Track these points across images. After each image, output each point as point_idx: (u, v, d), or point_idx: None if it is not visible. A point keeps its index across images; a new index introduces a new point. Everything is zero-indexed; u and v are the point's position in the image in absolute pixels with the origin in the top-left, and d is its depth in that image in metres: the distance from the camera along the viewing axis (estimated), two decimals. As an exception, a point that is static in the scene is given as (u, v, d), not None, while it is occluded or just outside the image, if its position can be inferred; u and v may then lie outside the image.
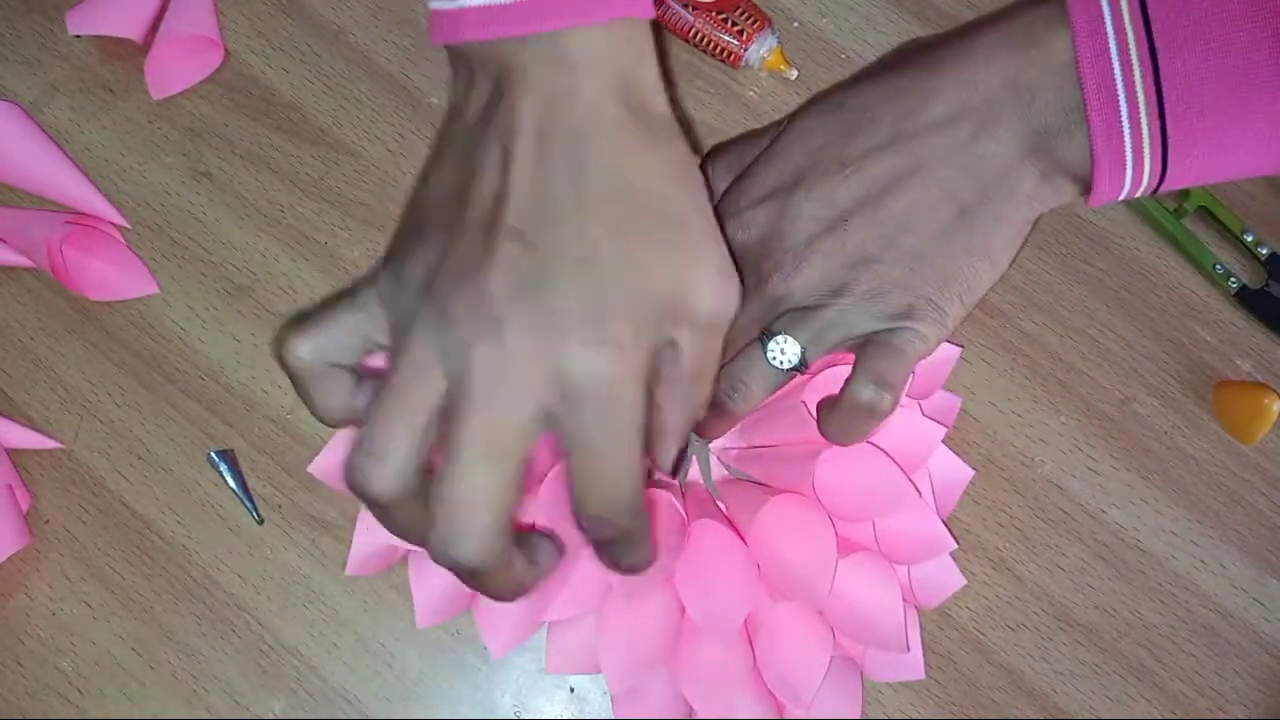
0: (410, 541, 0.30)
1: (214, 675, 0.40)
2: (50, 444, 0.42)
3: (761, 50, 0.44)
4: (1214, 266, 0.43)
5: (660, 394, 0.30)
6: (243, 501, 0.41)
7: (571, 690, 0.40)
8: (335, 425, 0.31)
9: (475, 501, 0.27)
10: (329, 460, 0.39)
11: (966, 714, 0.40)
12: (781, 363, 0.34)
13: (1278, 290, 0.43)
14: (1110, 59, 0.29)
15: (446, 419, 0.28)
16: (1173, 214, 0.43)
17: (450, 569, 0.28)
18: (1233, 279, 0.43)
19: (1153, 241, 0.44)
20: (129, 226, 0.44)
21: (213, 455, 0.41)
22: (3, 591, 0.40)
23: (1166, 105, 0.29)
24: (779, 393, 0.39)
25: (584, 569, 0.38)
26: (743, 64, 0.44)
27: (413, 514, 0.29)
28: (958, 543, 0.37)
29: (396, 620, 0.40)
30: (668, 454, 0.32)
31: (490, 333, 0.27)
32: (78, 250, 0.43)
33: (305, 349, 0.29)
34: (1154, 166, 0.30)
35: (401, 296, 0.29)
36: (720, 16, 0.44)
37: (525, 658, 0.40)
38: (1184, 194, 0.44)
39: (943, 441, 0.39)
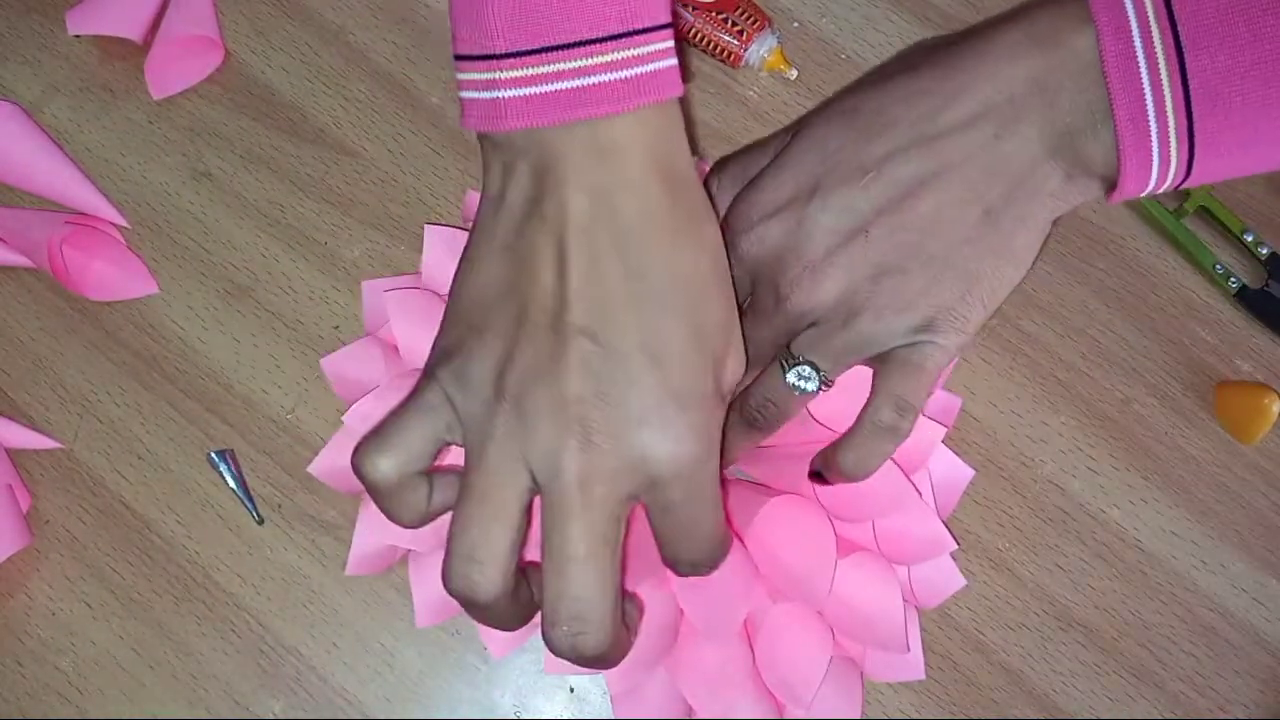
0: (509, 630, 0.32)
1: (214, 675, 0.40)
2: (50, 444, 0.42)
3: (761, 50, 0.44)
4: (1214, 266, 0.43)
5: None
6: (243, 501, 0.41)
7: (571, 690, 0.40)
8: (415, 528, 0.32)
9: (593, 597, 0.29)
10: (329, 460, 0.39)
11: (966, 714, 0.40)
12: (803, 389, 0.34)
13: (1278, 290, 0.43)
14: (1136, 57, 0.29)
15: (533, 510, 0.30)
16: (1173, 214, 0.43)
17: (571, 660, 0.29)
18: (1233, 279, 0.43)
19: (1153, 241, 0.44)
20: (129, 226, 0.44)
21: (213, 455, 0.41)
22: (3, 591, 0.40)
23: (1193, 101, 0.29)
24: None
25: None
26: (743, 64, 0.44)
27: (512, 607, 0.30)
28: (958, 543, 0.37)
29: (396, 620, 0.40)
30: None
31: (576, 435, 0.28)
32: (78, 250, 0.43)
33: (386, 465, 0.30)
34: (1180, 163, 0.30)
35: (471, 396, 0.29)
36: (720, 16, 0.44)
37: (525, 658, 0.40)
38: (1184, 194, 0.44)
39: (943, 441, 0.39)
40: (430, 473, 0.31)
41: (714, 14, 0.44)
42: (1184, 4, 0.28)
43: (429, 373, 0.31)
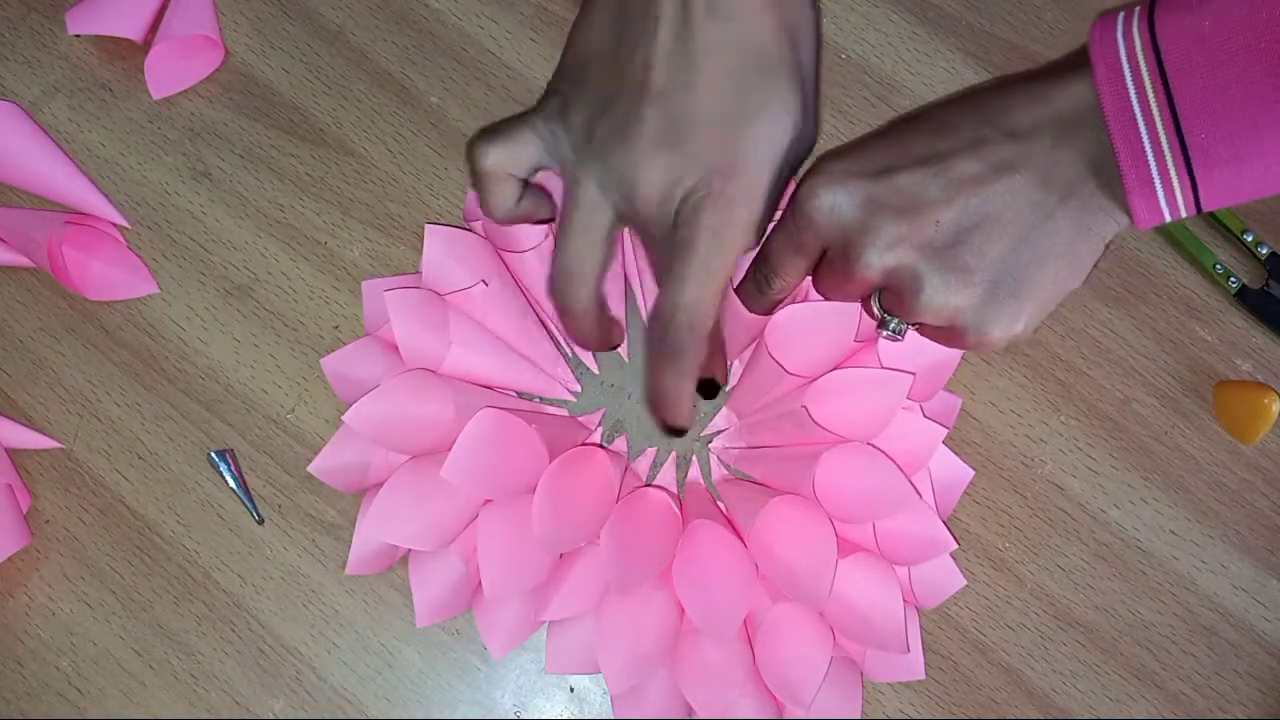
0: (594, 345, 0.36)
1: (214, 675, 0.40)
2: (50, 444, 0.42)
3: None
4: (1214, 266, 0.43)
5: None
6: (243, 501, 0.41)
7: (571, 690, 0.40)
8: (503, 223, 0.37)
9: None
10: (329, 460, 0.39)
11: (966, 714, 0.40)
12: (896, 338, 0.36)
13: (1278, 290, 0.43)
14: (1128, 93, 0.31)
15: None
16: (1173, 214, 0.43)
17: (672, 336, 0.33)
18: (1233, 279, 0.43)
19: (1153, 241, 0.44)
20: (129, 226, 0.44)
21: (213, 455, 0.41)
22: (3, 591, 0.40)
23: (1184, 126, 0.30)
24: (780, 395, 0.39)
25: (582, 568, 0.38)
26: None
27: (599, 319, 0.35)
28: (958, 543, 0.37)
29: (396, 620, 0.40)
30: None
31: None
32: (78, 250, 0.43)
33: (493, 156, 0.35)
34: (1183, 186, 0.31)
35: (568, 138, 0.34)
36: None
37: (525, 658, 0.40)
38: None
39: (943, 442, 0.39)
40: (531, 187, 0.36)
41: None
42: (1165, 33, 0.30)
43: (541, 106, 0.35)
